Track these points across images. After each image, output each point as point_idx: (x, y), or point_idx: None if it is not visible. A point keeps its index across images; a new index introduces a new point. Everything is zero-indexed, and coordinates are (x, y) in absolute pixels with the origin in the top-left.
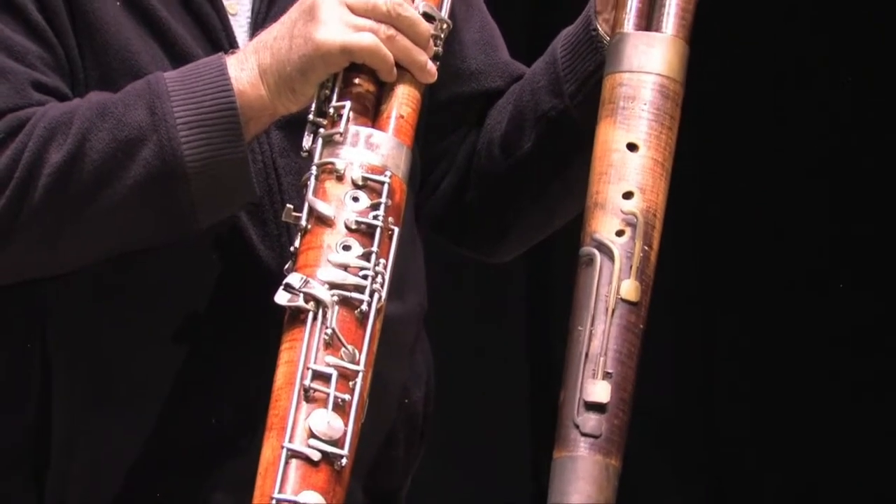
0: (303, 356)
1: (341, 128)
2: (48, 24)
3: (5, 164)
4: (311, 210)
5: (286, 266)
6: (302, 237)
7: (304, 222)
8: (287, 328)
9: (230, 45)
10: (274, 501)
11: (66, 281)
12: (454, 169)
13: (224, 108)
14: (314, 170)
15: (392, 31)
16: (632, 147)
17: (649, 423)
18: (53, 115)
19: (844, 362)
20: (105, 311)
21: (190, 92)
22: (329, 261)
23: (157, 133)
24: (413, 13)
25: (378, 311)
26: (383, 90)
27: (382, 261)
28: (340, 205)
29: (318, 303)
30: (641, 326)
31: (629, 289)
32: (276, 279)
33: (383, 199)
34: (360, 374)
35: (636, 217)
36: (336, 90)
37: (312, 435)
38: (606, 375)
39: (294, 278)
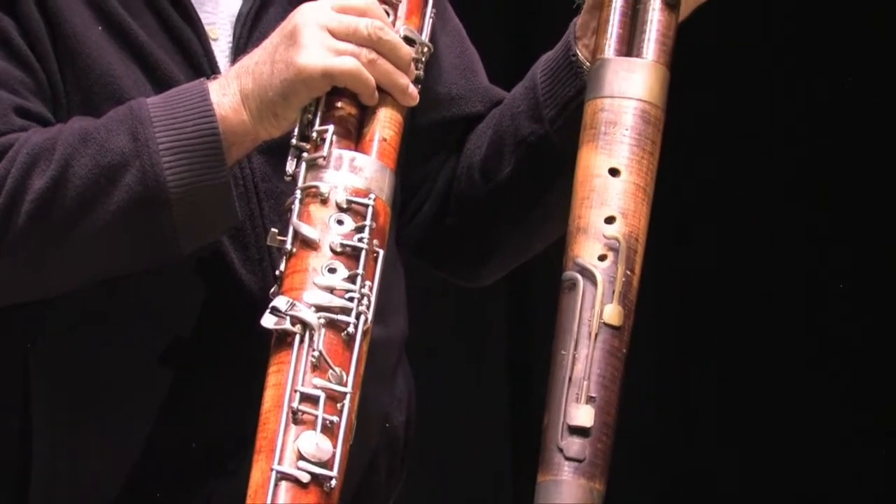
0: (290, 379)
1: (325, 151)
2: (30, 50)
3: None
4: (296, 233)
5: (272, 290)
6: (287, 261)
7: (289, 246)
8: (274, 351)
9: (212, 69)
10: None
11: (49, 305)
12: (434, 194)
13: (206, 134)
14: (298, 193)
15: (373, 55)
16: (614, 172)
17: (630, 447)
18: (36, 142)
19: (826, 385)
20: (88, 336)
21: (172, 117)
22: (315, 284)
23: (140, 159)
24: (394, 37)
25: (364, 333)
26: (366, 114)
27: (368, 283)
28: (325, 228)
29: (305, 325)
30: (624, 351)
31: (612, 313)
32: (259, 303)
33: (368, 222)
34: (348, 396)
35: (619, 241)
36: (318, 114)
37: (301, 457)
38: (590, 399)
39: (280, 301)
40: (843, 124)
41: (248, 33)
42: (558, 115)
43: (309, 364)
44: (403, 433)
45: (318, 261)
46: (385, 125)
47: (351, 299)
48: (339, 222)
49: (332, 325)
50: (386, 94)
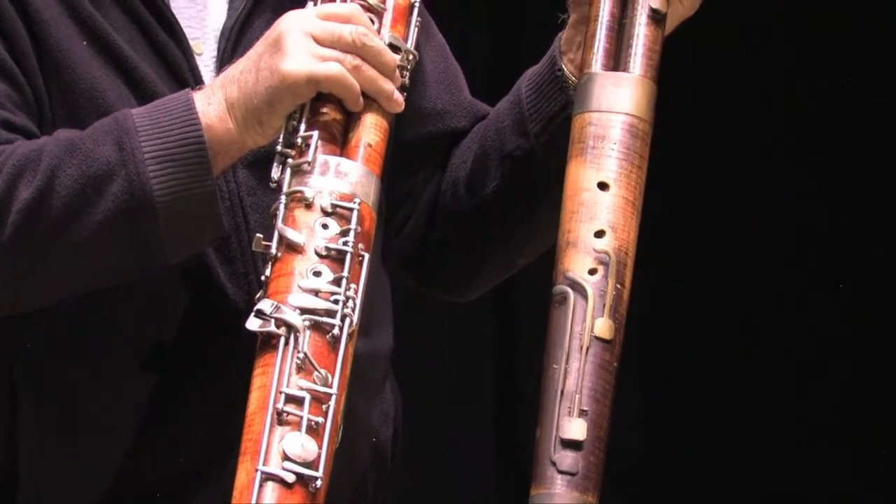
0: (275, 380)
1: (309, 157)
2: (16, 65)
3: None
4: (281, 238)
5: (258, 294)
6: (272, 265)
7: (273, 250)
8: (259, 354)
9: (196, 83)
10: None
11: (34, 318)
12: (419, 209)
13: (192, 143)
14: (283, 199)
15: (358, 61)
16: (602, 186)
17: (616, 463)
18: (22, 153)
19: (810, 407)
20: (73, 349)
21: (157, 127)
22: (300, 287)
23: (126, 168)
24: (378, 43)
25: (350, 335)
26: (351, 119)
27: (353, 286)
28: (310, 232)
29: (290, 328)
30: (615, 364)
31: (603, 327)
32: (244, 317)
33: (353, 226)
34: (333, 397)
35: (608, 255)
36: (303, 120)
37: (287, 458)
38: (582, 413)
39: (265, 304)
40: (835, 136)
41: (233, 48)
42: (543, 130)
43: (294, 366)
44: (391, 448)
45: (303, 264)
46: (371, 131)
47: (336, 302)
48: (324, 226)
49: (317, 327)
50: (371, 100)
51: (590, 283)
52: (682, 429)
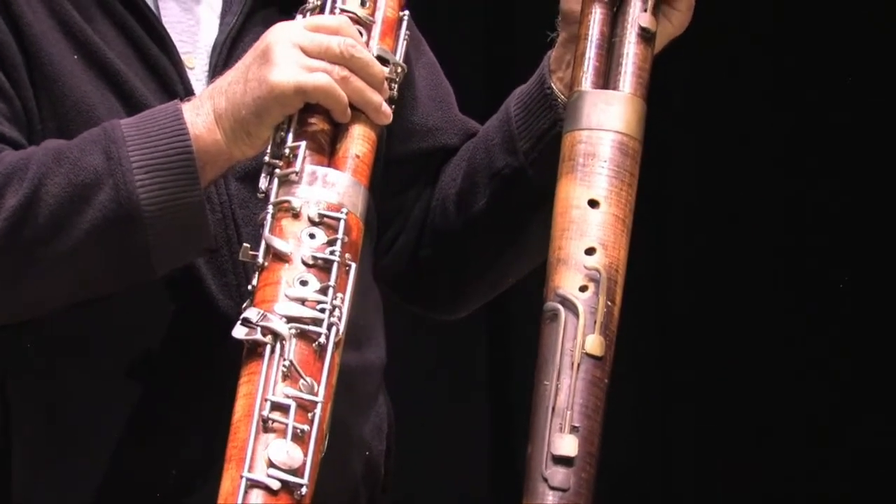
0: (261, 388)
1: (297, 167)
2: (6, 77)
3: None
4: (268, 247)
5: (245, 303)
6: (259, 274)
7: (260, 259)
8: (245, 362)
9: (187, 97)
10: None
11: (25, 330)
12: (409, 226)
13: (180, 152)
14: (270, 209)
15: (346, 73)
16: (593, 203)
17: (608, 477)
18: (10, 161)
19: (805, 422)
20: (63, 359)
21: (146, 137)
22: (286, 295)
23: (113, 177)
24: (366, 55)
25: (336, 343)
26: (339, 130)
27: (340, 295)
28: (297, 242)
29: (276, 336)
30: (606, 381)
31: (594, 344)
32: None
33: (340, 235)
34: (319, 405)
35: (599, 272)
36: (291, 131)
37: (272, 465)
38: (573, 429)
39: (251, 313)
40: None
41: (224, 62)
42: (532, 148)
43: (280, 373)
44: (384, 462)
45: (290, 273)
46: (358, 142)
47: (322, 310)
48: (311, 236)
49: (303, 335)
50: (359, 111)
51: (580, 300)
52: (673, 446)
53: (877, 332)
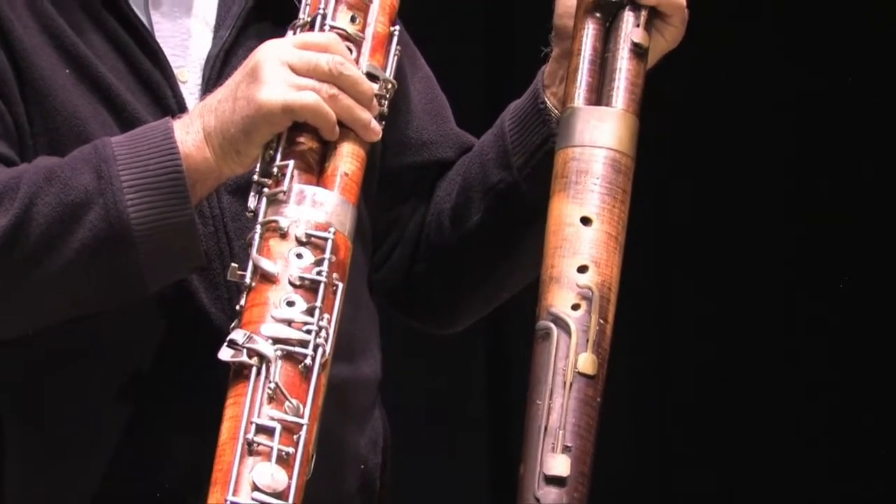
0: (246, 410)
1: (285, 186)
2: None
3: None
4: (256, 268)
5: (232, 324)
6: (247, 295)
7: (248, 280)
8: (231, 384)
9: (180, 111)
10: None
11: (16, 345)
12: (405, 240)
13: (170, 171)
14: (258, 228)
15: (334, 91)
16: (585, 221)
17: (603, 495)
18: (0, 180)
19: (804, 433)
20: (57, 376)
21: (136, 155)
22: (273, 317)
23: (104, 196)
24: (355, 72)
25: (323, 365)
26: (328, 148)
27: (327, 315)
28: (284, 262)
29: (262, 358)
30: (599, 400)
31: (586, 362)
32: None
33: (327, 255)
34: (305, 428)
35: (591, 291)
36: (280, 149)
37: (256, 488)
38: (566, 449)
39: (238, 334)
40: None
41: (217, 76)
42: (526, 163)
43: (265, 396)
44: (380, 475)
45: (277, 294)
46: (347, 160)
47: (309, 332)
48: (299, 256)
49: (289, 357)
50: (348, 129)
51: (573, 319)
52: (670, 460)
53: (877, 334)
